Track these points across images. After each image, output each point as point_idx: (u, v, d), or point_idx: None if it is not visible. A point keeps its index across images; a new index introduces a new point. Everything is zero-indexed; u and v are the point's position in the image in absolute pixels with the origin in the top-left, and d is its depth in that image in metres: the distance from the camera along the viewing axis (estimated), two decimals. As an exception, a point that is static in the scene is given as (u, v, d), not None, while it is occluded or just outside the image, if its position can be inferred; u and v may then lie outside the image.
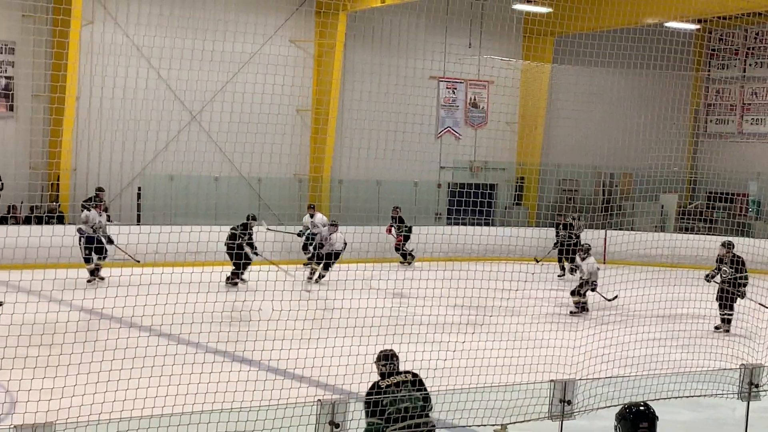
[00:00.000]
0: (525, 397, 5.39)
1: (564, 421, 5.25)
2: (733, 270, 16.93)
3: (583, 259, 18.54)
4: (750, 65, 32.14)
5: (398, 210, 24.79)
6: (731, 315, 17.13)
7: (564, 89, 28.65)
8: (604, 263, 24.19)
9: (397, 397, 7.06)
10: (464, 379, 9.52)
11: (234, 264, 19.98)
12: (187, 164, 24.11)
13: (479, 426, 6.34)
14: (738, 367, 5.95)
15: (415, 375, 7.43)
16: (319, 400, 5.13)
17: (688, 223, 29.26)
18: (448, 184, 28.22)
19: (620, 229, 25.80)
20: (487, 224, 24.32)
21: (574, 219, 23.85)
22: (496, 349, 12.12)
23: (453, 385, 8.87)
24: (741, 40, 32.20)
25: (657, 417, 5.36)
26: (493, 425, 6.15)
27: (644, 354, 13.69)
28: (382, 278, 17.92)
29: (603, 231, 25.49)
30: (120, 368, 8.55)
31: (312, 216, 23.09)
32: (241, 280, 19.84)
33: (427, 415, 7.19)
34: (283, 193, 25.53)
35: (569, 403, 4.87)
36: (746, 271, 17.01)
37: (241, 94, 23.04)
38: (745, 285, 16.71)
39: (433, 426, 7.23)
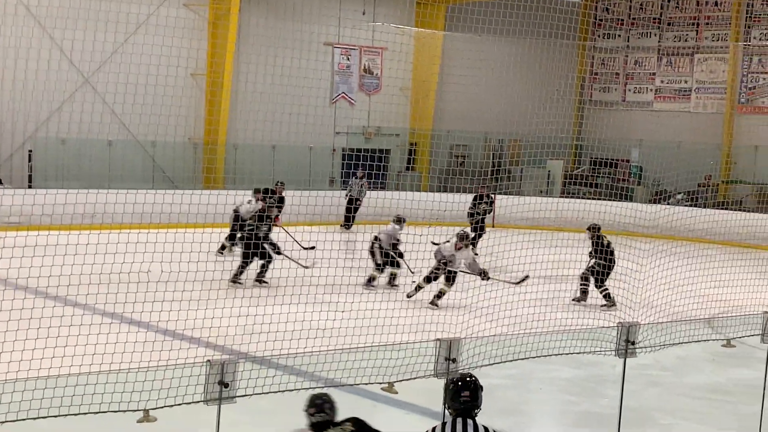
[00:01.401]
0: (412, 356, 5.38)
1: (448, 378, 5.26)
2: (596, 254, 16.95)
3: (458, 249, 15.96)
4: (634, 35, 32.72)
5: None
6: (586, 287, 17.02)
7: (456, 57, 28.76)
8: (493, 227, 24.44)
9: None
10: (354, 339, 9.51)
11: (243, 262, 16.59)
12: (80, 127, 23.55)
13: (367, 384, 6.32)
14: (615, 325, 6.03)
15: (360, 424, 5.70)
16: (209, 360, 5.03)
17: (574, 188, 29.74)
18: (343, 149, 28.14)
19: (508, 194, 26.07)
20: (380, 189, 24.36)
21: (491, 190, 23.06)
22: (385, 310, 12.17)
23: (342, 345, 8.86)
24: (625, 11, 32.74)
25: (481, 387, 5.27)
26: (380, 383, 6.14)
27: (528, 313, 13.87)
28: (278, 240, 17.84)
29: (492, 195, 25.73)
30: (5, 330, 8.30)
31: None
32: (264, 281, 16.45)
33: None
34: (177, 158, 25.11)
35: (454, 361, 4.87)
36: (611, 254, 16.90)
37: (134, 56, 22.52)
38: (603, 271, 16.58)
39: None
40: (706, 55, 31.05)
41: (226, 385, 4.90)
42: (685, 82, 31.41)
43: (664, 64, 31.96)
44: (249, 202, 18.93)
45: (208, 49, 25.88)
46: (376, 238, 17.32)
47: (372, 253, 17.22)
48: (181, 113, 24.25)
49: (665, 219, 22.71)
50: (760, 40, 29.79)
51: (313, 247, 17.87)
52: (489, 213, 22.73)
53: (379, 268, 17.08)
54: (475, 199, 22.50)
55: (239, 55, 26.08)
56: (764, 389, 7.09)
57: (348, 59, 28.80)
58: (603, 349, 6.16)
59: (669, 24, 31.84)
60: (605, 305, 16.03)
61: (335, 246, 20.09)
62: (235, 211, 19.12)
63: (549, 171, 30.00)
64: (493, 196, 22.98)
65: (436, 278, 15.63)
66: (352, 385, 6.39)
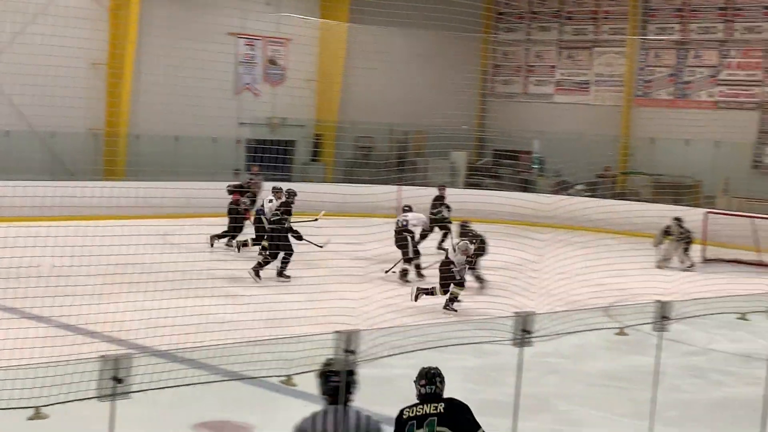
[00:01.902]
0: (312, 348, 5.37)
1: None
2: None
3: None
4: (535, 29, 33.14)
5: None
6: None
7: (360, 48, 28.77)
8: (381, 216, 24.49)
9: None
10: (256, 332, 9.47)
11: (270, 254, 16.80)
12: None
13: (265, 378, 6.31)
14: (512, 314, 6.12)
15: (453, 407, 5.89)
16: (103, 356, 4.95)
17: (477, 179, 30.03)
18: (247, 140, 27.92)
19: (413, 185, 26.18)
20: (285, 180, 24.22)
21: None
22: (289, 302, 12.15)
23: (244, 338, 8.81)
24: (526, 4, 33.14)
25: (354, 373, 5.25)
26: (279, 376, 6.11)
27: (431, 303, 14.00)
28: (177, 233, 17.66)
29: (396, 186, 25.80)
30: None
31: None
32: (285, 276, 16.66)
33: None
34: (77, 149, 24.59)
35: (353, 352, 4.87)
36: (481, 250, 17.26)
37: (33, 45, 22.01)
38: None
39: None
40: (604, 49, 31.62)
41: (120, 381, 4.82)
42: (585, 75, 31.95)
43: (564, 57, 32.45)
44: (270, 200, 18.64)
45: (108, 39, 25.38)
46: (405, 229, 17.51)
47: (403, 244, 17.32)
48: (81, 103, 23.77)
49: (565, 209, 23.11)
50: (656, 34, 30.45)
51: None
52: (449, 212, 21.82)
53: (410, 258, 17.23)
54: (435, 200, 21.57)
55: (141, 44, 25.64)
56: (656, 375, 7.26)
57: (252, 50, 28.58)
58: (500, 339, 6.23)
59: (569, 18, 32.33)
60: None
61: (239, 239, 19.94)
62: (259, 212, 18.80)
63: (453, 162, 30.23)
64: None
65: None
66: (251, 378, 6.36)
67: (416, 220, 18.27)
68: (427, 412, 5.86)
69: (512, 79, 33.56)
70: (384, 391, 10.33)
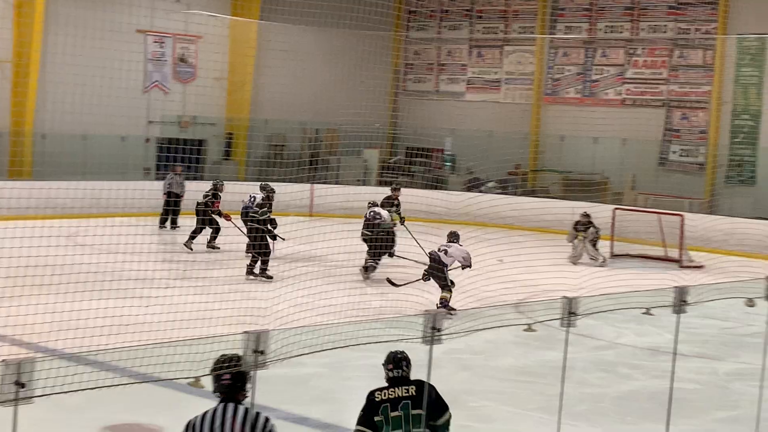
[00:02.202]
0: (219, 349, 5.33)
1: (259, 371, 5.25)
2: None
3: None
4: (446, 27, 33.36)
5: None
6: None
7: (272, 46, 28.63)
8: (311, 215, 24.51)
9: (380, 416, 6.19)
10: (166, 333, 9.36)
11: (256, 254, 17.16)
12: None
13: (173, 380, 6.23)
14: (422, 312, 6.15)
15: (421, 388, 6.30)
16: (4, 360, 4.83)
17: (390, 177, 30.10)
18: (157, 138, 27.59)
19: (326, 183, 26.19)
20: (196, 179, 24.01)
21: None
22: (200, 303, 12.03)
23: (154, 339, 8.69)
24: (437, 3, 33.36)
25: (247, 374, 5.33)
26: (187, 378, 6.05)
27: (346, 302, 13.99)
28: (88, 234, 17.35)
29: (309, 185, 25.80)
30: None
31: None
32: (267, 276, 16.96)
33: None
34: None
35: (263, 352, 4.86)
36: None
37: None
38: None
39: None
40: (514, 47, 31.99)
41: (23, 385, 4.71)
42: (495, 73, 32.27)
43: (475, 55, 32.75)
44: (253, 197, 18.41)
45: (13, 36, 24.83)
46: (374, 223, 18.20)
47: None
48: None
49: (477, 206, 23.32)
50: (564, 33, 30.91)
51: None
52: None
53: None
54: (385, 199, 21.37)
55: (47, 41, 25.12)
56: (564, 370, 7.37)
57: (162, 47, 28.24)
58: (411, 337, 6.25)
59: (479, 16, 32.63)
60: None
61: (150, 240, 19.73)
62: (247, 209, 18.46)
63: (365, 160, 30.30)
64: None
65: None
66: (160, 380, 6.30)
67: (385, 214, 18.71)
68: (400, 395, 6.24)
69: (424, 77, 33.75)
70: (296, 390, 10.33)
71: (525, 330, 13.30)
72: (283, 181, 24.32)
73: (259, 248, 16.97)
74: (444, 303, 14.74)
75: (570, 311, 6.80)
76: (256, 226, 17.40)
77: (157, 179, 25.31)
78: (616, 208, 23.01)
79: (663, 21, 29.10)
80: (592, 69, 30.47)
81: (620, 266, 20.58)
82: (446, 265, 15.30)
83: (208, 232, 20.24)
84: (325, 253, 18.50)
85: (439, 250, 15.63)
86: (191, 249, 19.59)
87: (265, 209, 17.58)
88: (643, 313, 14.17)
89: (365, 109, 25.20)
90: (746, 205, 25.81)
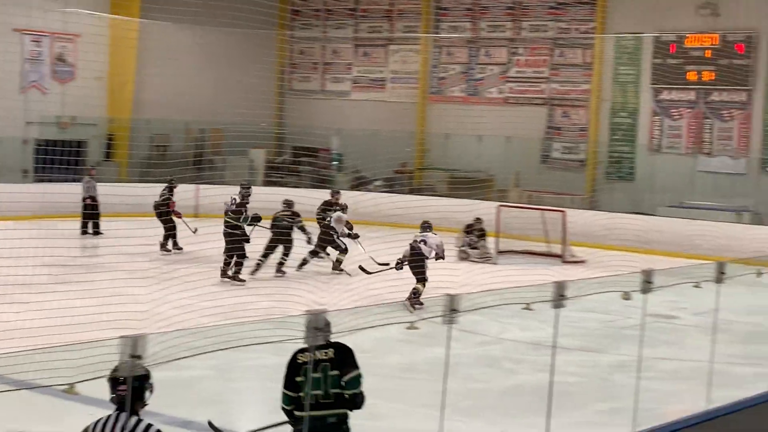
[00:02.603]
0: (96, 354, 5.22)
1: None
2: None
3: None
4: (331, 26, 33.36)
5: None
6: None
7: (153, 45, 28.21)
8: (196, 216, 24.19)
9: (301, 376, 6.52)
10: (44, 339, 9.13)
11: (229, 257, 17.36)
12: None
13: (48, 387, 6.09)
14: (304, 313, 6.14)
15: (340, 351, 6.69)
16: None
17: (276, 177, 29.97)
18: (36, 140, 26.89)
19: (211, 183, 25.89)
20: (77, 181, 23.48)
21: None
22: (80, 307, 11.76)
23: (30, 345, 8.48)
24: (321, 2, 33.32)
25: (144, 379, 5.29)
26: (61, 385, 5.91)
27: (232, 303, 13.87)
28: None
29: (194, 185, 25.48)
30: None
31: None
32: (239, 280, 17.06)
33: (344, 402, 6.74)
34: None
35: (140, 357, 4.76)
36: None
37: None
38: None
39: (344, 420, 6.82)
40: (399, 46, 32.18)
41: None
42: (380, 72, 32.41)
43: (360, 54, 32.83)
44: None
45: None
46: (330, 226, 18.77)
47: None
48: None
49: (364, 205, 23.36)
50: (448, 32, 31.22)
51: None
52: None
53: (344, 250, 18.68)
54: (324, 204, 20.80)
55: None
56: (446, 366, 7.44)
57: (39, 46, 27.53)
58: (293, 337, 6.23)
59: (364, 16, 32.72)
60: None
61: (29, 243, 19.20)
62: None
63: (251, 160, 30.09)
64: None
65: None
66: (35, 387, 6.14)
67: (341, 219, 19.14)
68: (320, 357, 6.53)
69: (309, 77, 33.69)
70: (181, 393, 10.18)
71: (407, 328, 13.43)
72: (167, 181, 23.95)
73: (235, 251, 17.12)
74: (416, 294, 14.99)
75: (452, 308, 6.85)
76: (230, 230, 17.40)
77: (36, 181, 24.70)
78: (501, 205, 23.35)
79: (544, 21, 29.65)
80: (476, 68, 30.86)
81: (505, 262, 20.90)
82: (426, 257, 15.70)
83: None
84: (211, 254, 18.33)
85: (418, 241, 16.00)
86: (170, 250, 20.05)
87: (242, 215, 17.58)
88: (524, 309, 14.42)
89: (250, 109, 25.06)
90: (625, 200, 26.49)
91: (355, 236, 18.75)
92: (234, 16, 22.06)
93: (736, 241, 21.36)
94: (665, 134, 27.75)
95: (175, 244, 20.36)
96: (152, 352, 5.20)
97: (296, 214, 18.39)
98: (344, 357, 6.67)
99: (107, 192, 20.82)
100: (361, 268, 17.17)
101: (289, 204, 18.79)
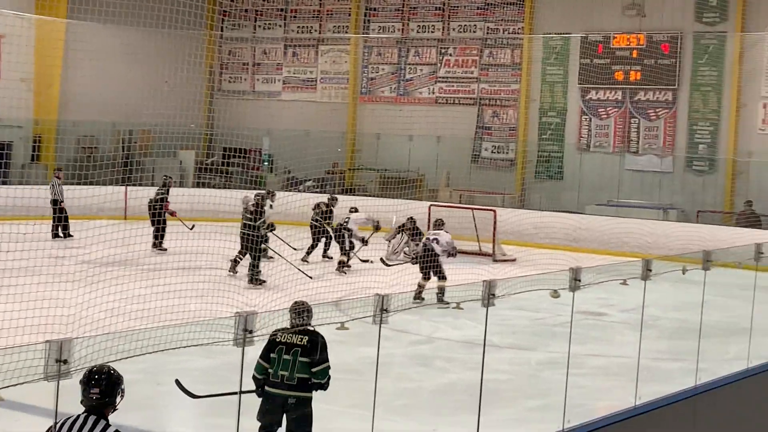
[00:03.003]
0: (19, 360, 5.11)
1: (61, 381, 5.06)
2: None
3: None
4: (260, 26, 33.20)
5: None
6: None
7: (80, 45, 27.77)
8: (125, 219, 23.90)
9: (274, 354, 7.34)
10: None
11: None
12: None
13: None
14: (233, 315, 6.09)
15: (313, 341, 7.42)
16: None
17: (207, 178, 29.74)
18: (-43, 142, 26.34)
19: (140, 185, 25.61)
20: (2, 183, 23.07)
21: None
22: (7, 312, 11.55)
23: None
24: (251, 1, 33.15)
25: (116, 383, 5.51)
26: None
27: (161, 306, 13.72)
28: None
29: (123, 187, 25.17)
30: None
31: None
32: (259, 281, 17.43)
33: (307, 387, 7.40)
34: None
35: (65, 362, 4.69)
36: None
37: None
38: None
39: (303, 402, 7.41)
40: (329, 47, 32.14)
41: None
42: (311, 72, 32.34)
43: (291, 55, 32.72)
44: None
45: None
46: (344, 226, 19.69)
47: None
48: None
49: (296, 205, 23.26)
50: (378, 32, 31.25)
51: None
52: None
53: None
54: (321, 207, 21.28)
55: None
56: (377, 366, 7.45)
57: (-38, 47, 26.98)
58: (222, 340, 6.18)
59: (294, 16, 32.61)
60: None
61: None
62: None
63: (181, 161, 29.82)
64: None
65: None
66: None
67: (361, 220, 20.33)
68: (295, 342, 7.34)
69: (239, 77, 33.49)
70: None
71: (338, 328, 13.37)
72: (96, 183, 23.63)
73: (251, 252, 17.61)
74: (441, 292, 15.19)
75: (382, 308, 6.86)
76: (245, 231, 17.83)
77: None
78: (432, 205, 23.43)
79: (473, 21, 29.84)
80: (406, 68, 30.95)
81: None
82: (438, 255, 16.22)
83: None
84: (139, 256, 18.12)
85: (430, 239, 16.71)
86: (166, 249, 20.39)
87: (262, 220, 18.04)
88: (455, 308, 14.47)
89: (179, 110, 24.81)
90: (554, 199, 26.78)
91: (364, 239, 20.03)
92: (162, 17, 21.78)
93: (662, 238, 21.70)
94: (593, 133, 28.12)
95: (160, 244, 20.71)
96: (79, 356, 5.11)
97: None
98: (316, 347, 7.37)
99: (34, 195, 20.45)
100: (381, 260, 18.68)
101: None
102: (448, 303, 14.74)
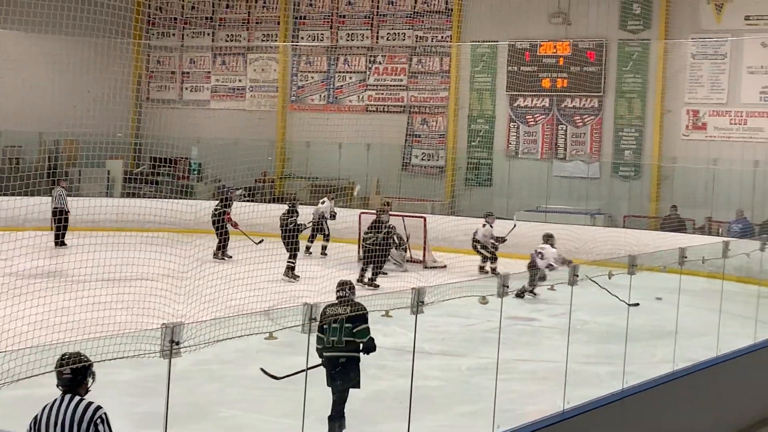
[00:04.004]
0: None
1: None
2: None
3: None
4: (188, 35, 32.95)
5: None
6: None
7: (4, 55, 27.31)
8: (52, 230, 23.49)
9: (326, 325, 8.82)
10: None
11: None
12: None
13: None
14: (159, 327, 6.02)
15: (356, 309, 8.98)
16: None
17: (135, 188, 29.39)
18: None
19: (69, 196, 25.20)
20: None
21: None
22: None
23: None
24: (179, 10, 32.88)
25: (87, 366, 6.21)
26: None
27: (88, 318, 13.51)
28: None
29: (49, 197, 24.76)
30: None
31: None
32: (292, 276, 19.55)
33: (354, 348, 8.98)
34: None
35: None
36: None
37: None
38: None
39: (352, 361, 9.06)
40: (258, 55, 32.01)
41: None
42: (240, 81, 32.18)
43: (219, 63, 32.53)
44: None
45: None
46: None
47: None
48: None
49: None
50: (307, 41, 31.20)
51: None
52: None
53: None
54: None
55: None
56: (305, 375, 7.41)
57: None
58: (148, 352, 6.10)
59: (221, 24, 32.42)
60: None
61: None
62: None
63: (109, 171, 29.45)
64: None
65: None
66: None
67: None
68: (339, 312, 8.87)
69: (167, 86, 33.20)
70: (33, 411, 9.83)
71: (266, 338, 13.28)
72: (21, 194, 23.21)
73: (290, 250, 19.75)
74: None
75: (311, 317, 6.84)
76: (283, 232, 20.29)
77: None
78: (362, 212, 23.42)
79: (401, 29, 29.95)
80: (335, 76, 30.94)
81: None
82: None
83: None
84: (66, 268, 17.82)
85: (536, 252, 18.16)
86: (224, 258, 21.65)
87: (293, 219, 20.58)
88: (383, 315, 14.45)
89: (106, 119, 24.49)
90: (484, 205, 26.93)
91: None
92: (87, 26, 21.48)
93: (590, 243, 21.95)
94: (521, 140, 28.38)
95: (224, 252, 21.78)
96: (3, 370, 5.00)
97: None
98: (357, 314, 8.90)
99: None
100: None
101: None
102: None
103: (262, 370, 9.15)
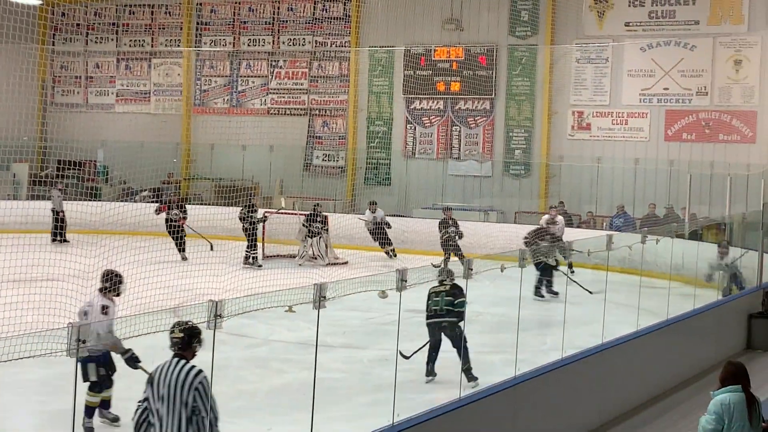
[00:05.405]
0: None
1: None
2: None
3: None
4: (93, 40, 32.36)
5: None
6: None
7: None
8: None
9: (431, 299, 11.43)
10: None
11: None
12: None
13: None
14: (66, 325, 5.92)
15: (455, 287, 11.14)
16: None
17: (41, 191, 28.71)
18: None
19: (-27, 200, 24.55)
20: None
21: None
22: None
23: None
24: (83, 15, 32.27)
25: (197, 333, 7.04)
26: None
27: (-4, 319, 13.20)
28: None
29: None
30: None
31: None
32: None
33: (453, 315, 11.18)
34: None
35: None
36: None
37: None
38: None
39: (453, 324, 11.20)
40: (162, 60, 31.60)
41: None
42: (144, 85, 31.73)
43: (123, 68, 32.03)
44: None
45: None
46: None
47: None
48: None
49: (131, 215, 22.73)
50: (210, 46, 30.92)
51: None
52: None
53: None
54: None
55: None
56: (212, 370, 7.35)
57: None
58: (55, 351, 6.00)
59: (125, 30, 31.94)
60: None
61: None
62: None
63: (14, 174, 28.76)
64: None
65: None
66: None
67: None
68: (441, 290, 11.34)
69: (72, 90, 32.57)
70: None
71: (286, 311, 13.13)
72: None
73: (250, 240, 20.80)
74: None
75: (216, 313, 6.80)
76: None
77: None
78: (266, 212, 23.31)
79: (302, 35, 29.90)
80: (238, 80, 30.75)
81: (272, 267, 20.87)
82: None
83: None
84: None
85: (546, 224, 20.22)
86: (252, 263, 21.42)
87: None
88: (286, 311, 14.40)
89: (10, 123, 23.90)
90: (384, 203, 27.05)
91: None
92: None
93: (483, 238, 22.22)
94: (418, 141, 28.58)
95: (255, 258, 21.68)
96: None
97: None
98: (456, 291, 11.09)
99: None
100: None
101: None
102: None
103: (400, 353, 9.70)
